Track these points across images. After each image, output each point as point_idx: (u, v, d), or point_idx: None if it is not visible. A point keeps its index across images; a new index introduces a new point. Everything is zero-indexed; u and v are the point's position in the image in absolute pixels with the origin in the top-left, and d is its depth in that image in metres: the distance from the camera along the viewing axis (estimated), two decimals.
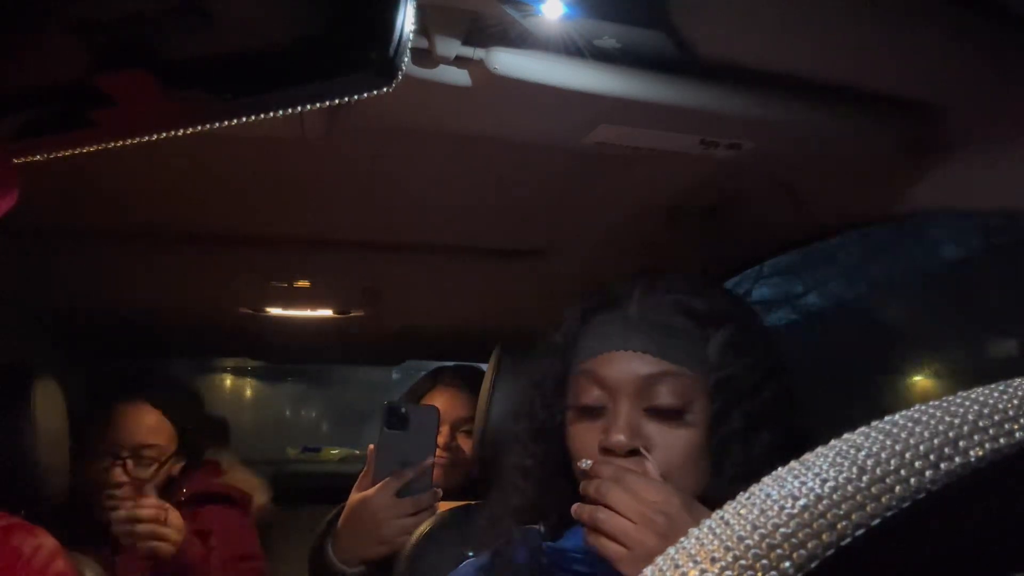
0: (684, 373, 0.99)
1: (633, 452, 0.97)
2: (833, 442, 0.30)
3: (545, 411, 1.10)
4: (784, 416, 1.01)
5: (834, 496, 0.27)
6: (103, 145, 0.70)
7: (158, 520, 1.58)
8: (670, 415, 0.98)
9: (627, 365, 1.00)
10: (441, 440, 1.91)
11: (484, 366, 2.26)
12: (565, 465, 1.06)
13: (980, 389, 0.31)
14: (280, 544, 2.39)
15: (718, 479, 0.97)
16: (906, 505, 0.27)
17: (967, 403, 0.30)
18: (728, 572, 0.26)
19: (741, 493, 0.30)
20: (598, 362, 1.02)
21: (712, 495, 0.96)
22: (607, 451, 0.97)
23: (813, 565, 0.26)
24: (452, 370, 2.11)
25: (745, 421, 0.98)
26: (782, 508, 0.27)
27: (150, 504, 1.59)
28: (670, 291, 1.06)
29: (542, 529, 1.05)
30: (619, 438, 0.96)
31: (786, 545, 0.26)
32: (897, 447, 0.29)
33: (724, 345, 1.01)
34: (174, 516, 1.62)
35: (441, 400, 1.94)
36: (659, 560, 0.28)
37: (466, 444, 1.92)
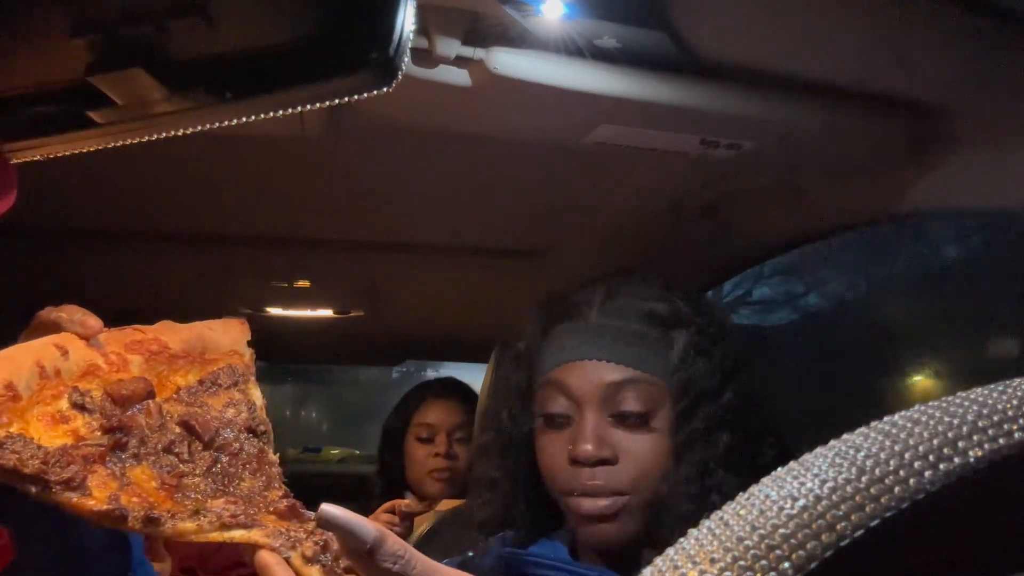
0: (647, 379, 0.99)
1: (602, 462, 0.97)
2: (832, 442, 0.30)
3: (512, 423, 1.09)
4: (744, 417, 1.02)
5: (833, 497, 0.27)
6: (103, 145, 0.70)
7: None
8: (636, 422, 0.98)
9: (591, 374, 1.00)
10: (441, 449, 1.96)
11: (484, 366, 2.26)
12: (533, 476, 1.06)
13: (979, 389, 0.31)
14: None
15: (677, 478, 0.97)
16: (905, 506, 0.27)
17: (966, 403, 0.30)
18: (727, 573, 0.26)
19: (740, 494, 0.30)
20: (562, 372, 1.02)
21: (671, 494, 0.97)
22: (575, 462, 0.97)
23: (812, 566, 0.26)
24: (435, 383, 2.18)
25: (706, 423, 0.98)
26: (781, 509, 0.27)
27: None
28: (631, 296, 1.05)
29: (508, 535, 1.05)
30: (586, 447, 0.96)
31: (785, 546, 0.26)
32: (896, 448, 0.29)
33: (685, 349, 1.02)
34: None
35: (434, 412, 2.01)
36: (658, 561, 0.28)
37: (462, 452, 1.95)
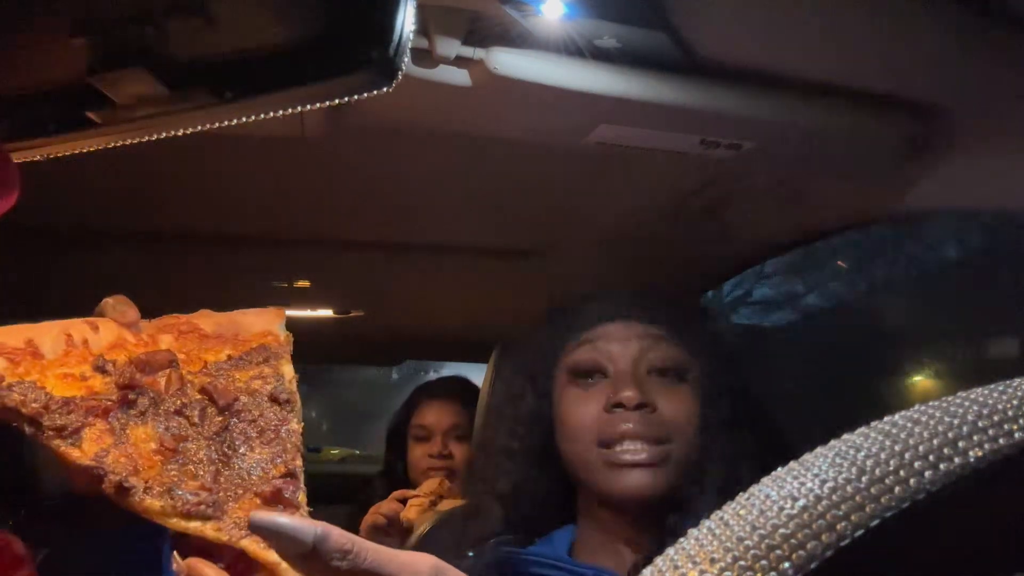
0: (677, 341, 1.07)
1: (642, 406, 1.01)
2: (832, 442, 0.30)
3: (533, 396, 1.14)
4: (751, 392, 1.11)
5: (833, 497, 0.27)
6: (103, 145, 0.70)
7: None
8: (671, 375, 1.05)
9: (628, 331, 1.07)
10: (435, 449, 1.97)
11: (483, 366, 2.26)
12: (547, 451, 1.10)
13: (980, 389, 0.31)
14: None
15: (708, 436, 1.03)
16: (905, 506, 0.27)
17: (966, 403, 0.30)
18: (727, 573, 0.26)
19: (740, 494, 0.29)
20: (598, 332, 1.09)
21: (704, 455, 1.02)
22: (617, 405, 1.01)
23: (812, 566, 0.26)
24: (435, 383, 2.21)
25: (732, 388, 1.06)
26: (781, 509, 0.27)
27: None
28: (655, 290, 1.17)
29: (508, 536, 1.06)
30: (629, 393, 1.01)
31: (785, 546, 0.26)
32: (896, 448, 0.29)
33: (705, 326, 1.13)
34: None
35: (429, 414, 2.03)
36: (658, 561, 0.28)
37: (458, 450, 1.95)
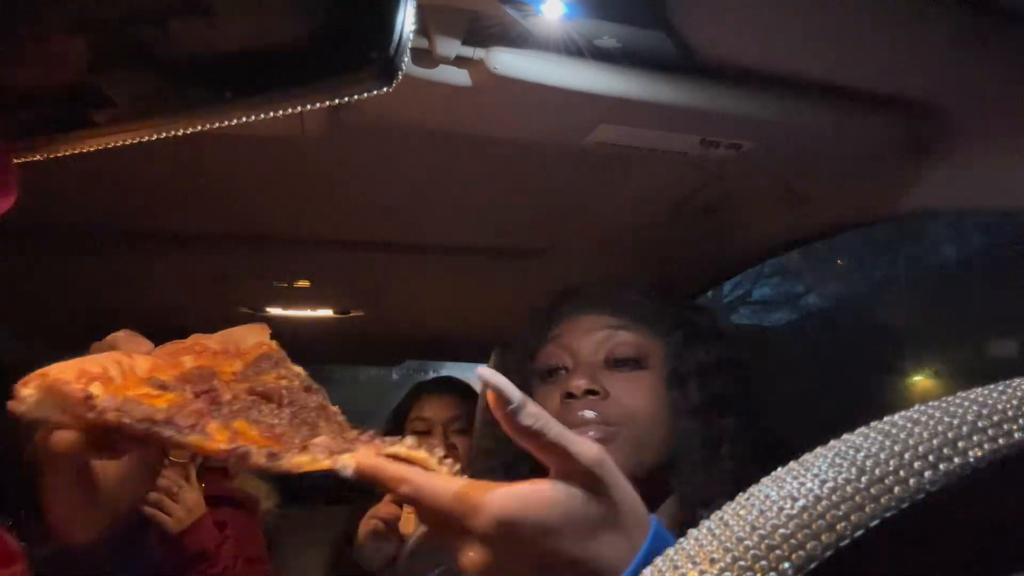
0: (639, 329, 1.08)
1: (591, 392, 1.02)
2: (832, 443, 0.30)
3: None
4: (732, 371, 1.10)
5: (833, 497, 0.27)
6: (103, 145, 0.70)
7: (168, 492, 1.64)
8: (629, 365, 1.06)
9: (587, 325, 1.09)
10: (436, 440, 1.95)
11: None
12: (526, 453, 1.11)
13: (979, 389, 0.31)
14: (283, 543, 2.39)
15: (679, 421, 1.03)
16: (905, 506, 0.27)
17: (966, 403, 0.30)
18: (727, 573, 0.26)
19: (740, 494, 0.30)
20: (561, 329, 1.11)
21: (679, 439, 1.02)
22: (569, 395, 1.03)
23: (812, 566, 0.26)
24: (432, 380, 2.23)
25: (699, 367, 1.06)
26: (781, 509, 0.27)
27: (166, 475, 1.66)
28: (630, 285, 1.17)
29: None
30: (579, 382, 1.03)
31: (785, 546, 0.26)
32: (896, 448, 0.29)
33: (674, 311, 1.13)
34: (189, 496, 1.66)
35: (429, 407, 2.03)
36: (658, 561, 0.28)
37: (460, 442, 1.95)
